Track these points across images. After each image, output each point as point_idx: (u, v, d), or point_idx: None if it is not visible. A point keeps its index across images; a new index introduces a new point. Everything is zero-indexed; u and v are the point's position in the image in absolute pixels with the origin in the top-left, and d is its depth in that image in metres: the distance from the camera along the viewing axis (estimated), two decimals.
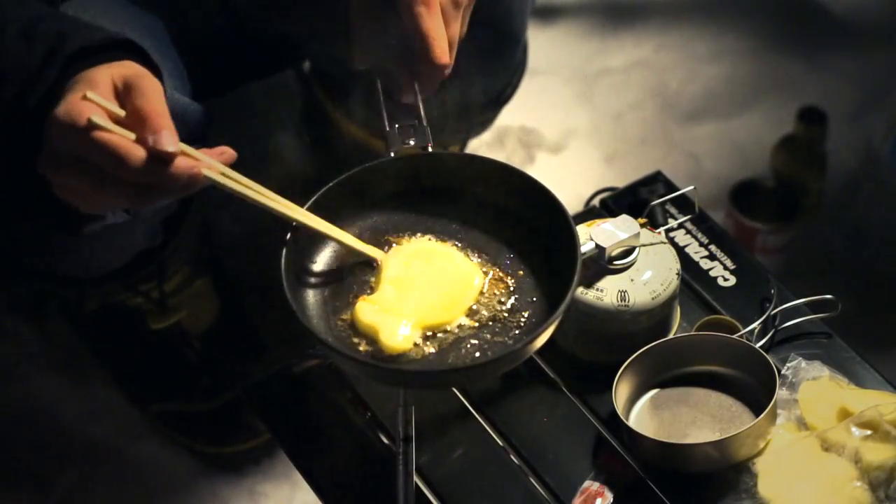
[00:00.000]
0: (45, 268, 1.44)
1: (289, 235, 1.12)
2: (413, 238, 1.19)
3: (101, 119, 0.98)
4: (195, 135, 1.34)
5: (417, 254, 1.17)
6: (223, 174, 1.04)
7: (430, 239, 1.19)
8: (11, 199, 1.12)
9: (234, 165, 1.07)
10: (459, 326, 1.13)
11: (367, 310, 1.12)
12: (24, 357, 1.82)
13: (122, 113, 0.99)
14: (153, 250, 1.47)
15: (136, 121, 0.99)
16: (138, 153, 0.97)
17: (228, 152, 1.05)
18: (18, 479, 1.72)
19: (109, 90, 1.00)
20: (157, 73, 1.09)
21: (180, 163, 0.99)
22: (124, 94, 1.01)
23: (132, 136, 0.98)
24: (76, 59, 1.03)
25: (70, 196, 1.03)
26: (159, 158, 0.98)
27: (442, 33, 1.15)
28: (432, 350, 1.11)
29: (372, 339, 1.11)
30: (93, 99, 0.98)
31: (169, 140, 0.98)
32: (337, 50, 1.58)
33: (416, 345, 1.11)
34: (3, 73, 1.04)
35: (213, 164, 1.02)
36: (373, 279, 1.15)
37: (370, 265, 1.16)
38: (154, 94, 1.00)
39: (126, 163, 0.97)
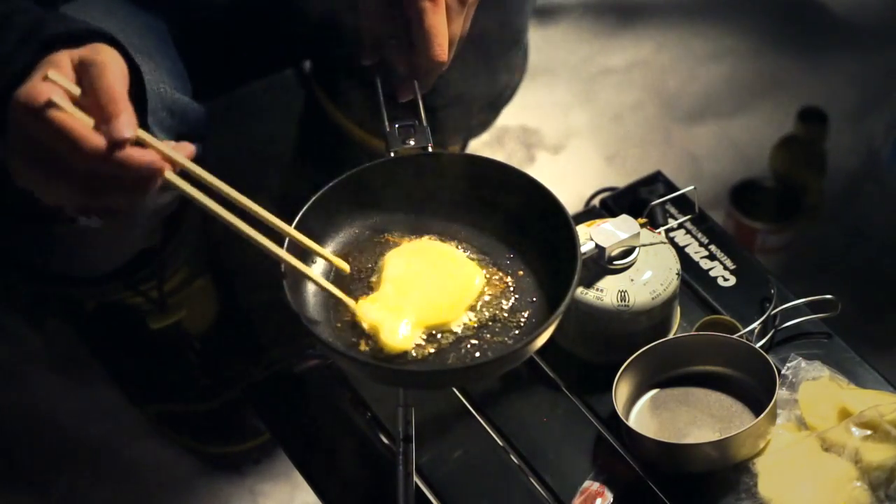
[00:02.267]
0: (45, 268, 1.44)
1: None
2: (413, 238, 1.19)
3: (61, 100, 0.95)
4: (196, 134, 1.34)
5: (418, 254, 1.17)
6: (183, 173, 1.00)
7: (430, 239, 1.19)
8: None
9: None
10: (459, 326, 1.12)
11: (368, 309, 1.12)
12: (24, 357, 1.82)
13: (77, 91, 0.97)
14: (153, 250, 1.48)
15: (93, 103, 0.97)
16: (93, 139, 0.95)
17: (189, 148, 1.01)
18: (18, 479, 1.72)
19: (71, 71, 0.99)
20: (134, 68, 1.07)
21: (137, 153, 0.96)
22: (81, 71, 0.98)
23: (91, 121, 0.96)
24: (49, 47, 1.01)
25: (28, 184, 1.01)
26: (114, 146, 0.95)
27: (444, 30, 1.15)
28: (432, 350, 1.11)
29: (372, 339, 1.11)
30: (53, 79, 0.97)
31: (125, 125, 0.96)
32: (339, 48, 1.59)
33: (416, 345, 1.11)
34: None
35: (176, 159, 0.99)
36: (373, 279, 1.15)
37: (370, 265, 1.16)
38: (111, 73, 0.98)
39: (80, 147, 0.95)
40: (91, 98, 0.97)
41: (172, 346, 1.74)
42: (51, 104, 0.95)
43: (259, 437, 1.73)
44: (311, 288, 1.15)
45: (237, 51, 1.54)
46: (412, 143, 1.20)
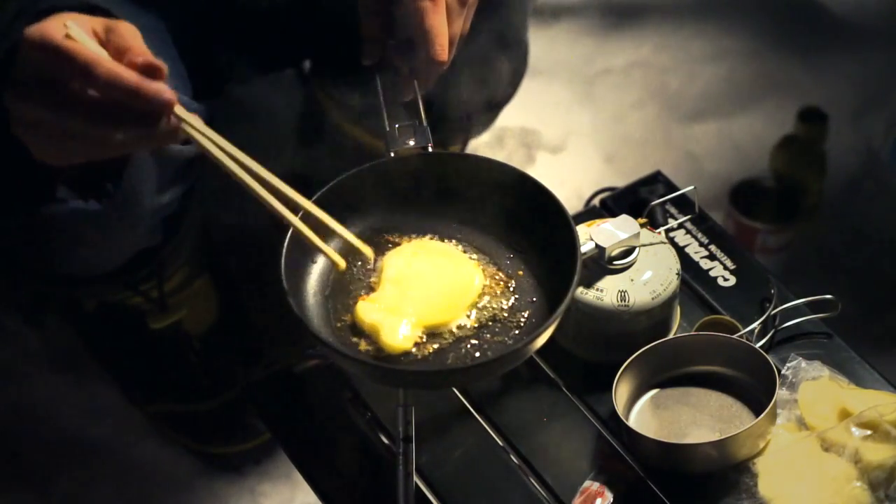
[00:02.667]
0: (45, 268, 1.44)
1: (289, 234, 1.12)
2: (413, 238, 1.19)
3: (78, 35, 0.95)
4: None
5: (418, 254, 1.17)
6: (203, 134, 1.00)
7: (430, 239, 1.19)
8: None
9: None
10: (459, 326, 1.13)
11: (368, 309, 1.12)
12: (24, 357, 1.82)
13: (104, 52, 0.97)
14: (153, 249, 1.48)
15: (117, 55, 0.97)
16: (108, 61, 0.94)
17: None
18: (18, 479, 1.72)
19: (90, 31, 0.98)
20: None
21: (150, 81, 0.95)
22: (105, 37, 0.98)
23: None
24: (46, 17, 1.00)
25: (27, 133, 1.00)
26: (145, 69, 0.95)
27: (444, 30, 1.15)
28: (432, 350, 1.11)
29: (372, 340, 1.11)
30: (73, 34, 0.96)
31: (154, 59, 0.96)
32: (339, 48, 1.59)
33: (416, 345, 1.11)
34: None
35: (193, 122, 0.99)
36: (373, 279, 1.15)
37: (370, 265, 1.16)
38: (136, 36, 0.98)
39: (93, 68, 0.94)
40: (114, 53, 0.97)
41: (172, 346, 1.74)
42: (68, 35, 0.95)
43: (259, 437, 1.73)
44: (311, 288, 1.15)
45: (237, 51, 1.54)
46: (412, 143, 1.20)
